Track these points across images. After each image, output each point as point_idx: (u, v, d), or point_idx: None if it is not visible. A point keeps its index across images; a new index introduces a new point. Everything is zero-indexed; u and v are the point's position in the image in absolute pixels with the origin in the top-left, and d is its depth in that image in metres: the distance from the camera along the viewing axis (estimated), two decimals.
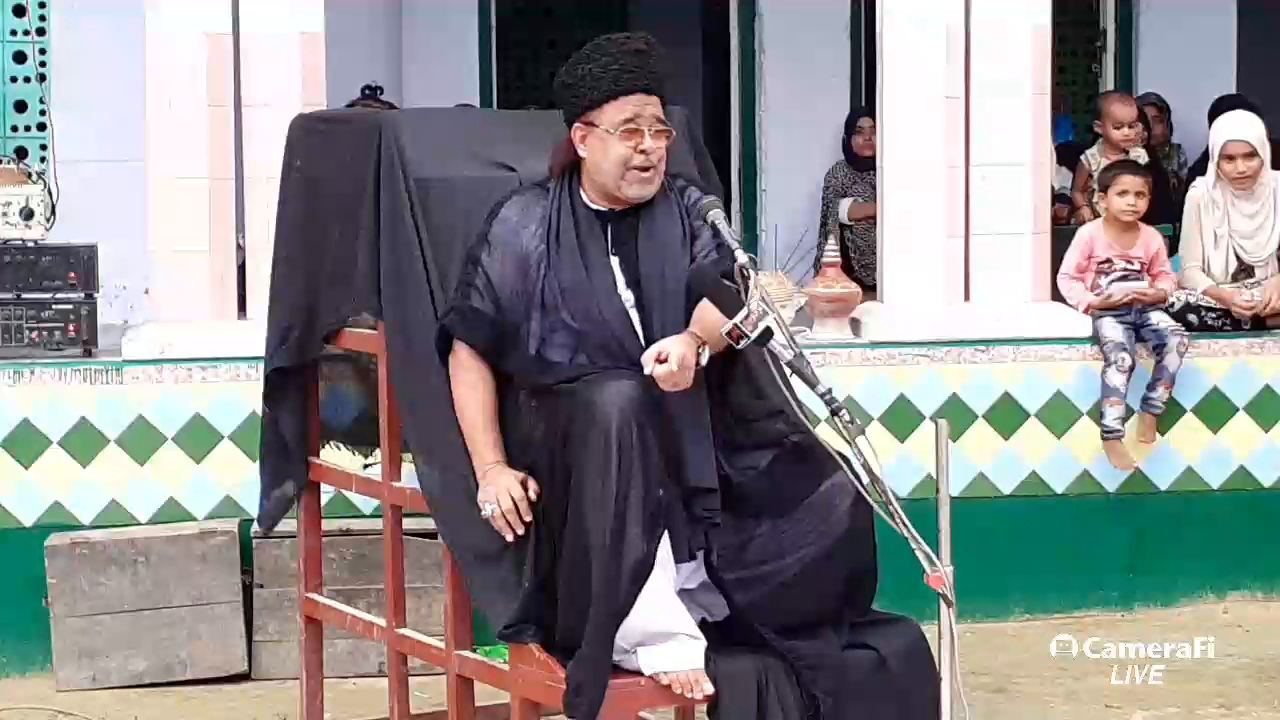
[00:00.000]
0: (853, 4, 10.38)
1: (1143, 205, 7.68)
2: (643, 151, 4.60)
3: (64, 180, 7.57)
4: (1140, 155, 9.16)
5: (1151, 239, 7.73)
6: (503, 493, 4.57)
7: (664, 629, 4.50)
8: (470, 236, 4.79)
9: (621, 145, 4.61)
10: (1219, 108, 9.59)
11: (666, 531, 4.50)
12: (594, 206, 4.71)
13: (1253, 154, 7.65)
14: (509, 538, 4.59)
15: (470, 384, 4.68)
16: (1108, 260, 7.66)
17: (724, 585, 4.58)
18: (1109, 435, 7.41)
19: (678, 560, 4.55)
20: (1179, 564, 7.53)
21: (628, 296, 4.65)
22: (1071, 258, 7.71)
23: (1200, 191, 7.85)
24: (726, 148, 10.51)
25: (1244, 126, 7.77)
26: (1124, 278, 7.63)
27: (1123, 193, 7.68)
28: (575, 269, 4.63)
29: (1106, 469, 7.51)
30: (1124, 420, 7.40)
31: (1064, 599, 7.44)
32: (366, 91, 9.30)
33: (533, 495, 4.57)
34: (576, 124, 4.67)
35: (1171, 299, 7.74)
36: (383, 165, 4.98)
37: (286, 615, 6.42)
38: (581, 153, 4.68)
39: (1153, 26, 10.58)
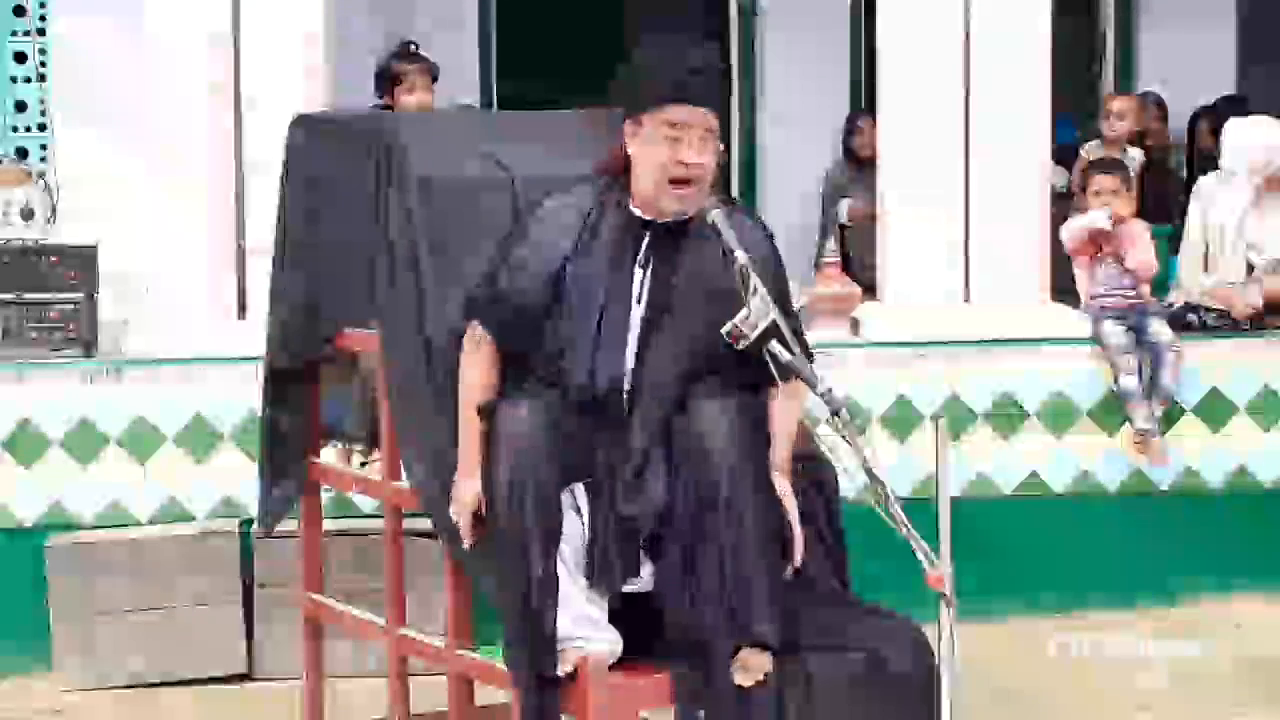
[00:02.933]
0: (853, 4, 10.39)
1: (1120, 204, 7.66)
2: (682, 162, 4.44)
3: (64, 180, 7.57)
4: (1136, 155, 9.15)
5: (1135, 237, 7.74)
6: (462, 505, 4.58)
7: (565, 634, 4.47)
8: (470, 236, 4.78)
9: (662, 151, 4.43)
10: (1220, 108, 9.59)
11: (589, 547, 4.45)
12: (637, 213, 4.55)
13: None
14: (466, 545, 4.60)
15: (474, 369, 4.61)
16: (1099, 249, 7.70)
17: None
18: (1143, 435, 7.42)
19: (598, 586, 4.46)
20: (1179, 564, 7.53)
21: (639, 311, 4.50)
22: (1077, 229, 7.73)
23: (1210, 195, 7.85)
24: (727, 148, 10.49)
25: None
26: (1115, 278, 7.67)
27: (1097, 193, 7.70)
28: (594, 273, 4.51)
29: (1106, 468, 7.52)
30: (1152, 417, 7.42)
31: (1064, 599, 7.43)
32: (403, 48, 8.39)
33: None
34: (628, 120, 4.51)
35: (1170, 299, 7.73)
36: (383, 165, 4.97)
37: (286, 615, 6.40)
38: (630, 150, 4.51)
39: (1153, 28, 10.58)
